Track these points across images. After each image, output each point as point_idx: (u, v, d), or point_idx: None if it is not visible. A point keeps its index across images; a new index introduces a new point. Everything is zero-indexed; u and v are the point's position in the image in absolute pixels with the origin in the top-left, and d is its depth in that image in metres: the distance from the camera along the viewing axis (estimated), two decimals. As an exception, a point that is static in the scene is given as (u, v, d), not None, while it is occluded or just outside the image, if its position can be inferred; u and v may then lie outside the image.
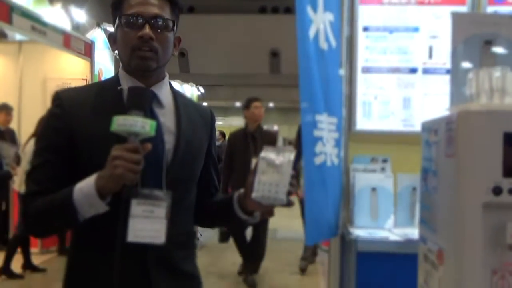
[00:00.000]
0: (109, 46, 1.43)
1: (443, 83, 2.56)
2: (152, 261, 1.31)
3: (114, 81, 1.38)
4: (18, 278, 5.30)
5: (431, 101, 2.61)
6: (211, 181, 1.55)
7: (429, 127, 1.51)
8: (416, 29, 2.63)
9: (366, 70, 2.65)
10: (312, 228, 2.22)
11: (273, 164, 1.28)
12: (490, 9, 2.61)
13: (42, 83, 7.02)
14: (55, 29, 6.31)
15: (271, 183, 1.27)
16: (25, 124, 6.53)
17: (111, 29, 1.44)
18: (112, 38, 1.39)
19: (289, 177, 1.27)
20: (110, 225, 1.26)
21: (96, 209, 1.22)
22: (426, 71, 2.63)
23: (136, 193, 1.24)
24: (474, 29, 1.60)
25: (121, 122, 1.18)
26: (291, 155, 1.29)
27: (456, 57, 1.62)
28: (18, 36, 6.83)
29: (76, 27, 7.61)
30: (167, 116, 1.39)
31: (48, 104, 1.39)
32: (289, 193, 1.28)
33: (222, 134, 11.74)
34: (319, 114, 2.29)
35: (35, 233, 1.39)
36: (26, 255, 5.52)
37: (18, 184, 5.22)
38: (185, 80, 13.49)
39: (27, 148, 5.14)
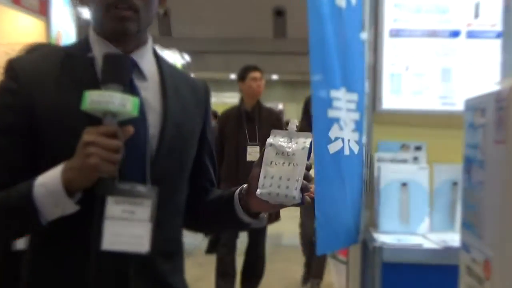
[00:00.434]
0: (72, 1, 1.42)
1: (492, 49, 2.56)
2: (133, 274, 1.32)
3: (82, 47, 1.37)
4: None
5: (477, 73, 2.62)
6: (206, 174, 1.55)
7: (474, 105, 1.50)
8: (458, -19, 2.63)
9: (395, 33, 2.65)
10: (325, 233, 2.23)
11: (283, 153, 1.29)
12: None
13: (-16, 49, 6.99)
14: (0, -19, 6.27)
15: (281, 176, 1.27)
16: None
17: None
18: None
19: (303, 169, 1.27)
20: (81, 230, 1.26)
21: (63, 209, 1.22)
22: (470, 34, 2.63)
23: (113, 189, 1.23)
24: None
25: (95, 99, 1.17)
26: (306, 142, 1.29)
27: (509, 16, 1.60)
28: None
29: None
30: (150, 91, 1.39)
31: (-4, 76, 1.35)
32: (304, 190, 1.28)
33: (214, 115, 11.74)
34: (335, 90, 2.28)
35: None
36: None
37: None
38: (166, 45, 13.38)
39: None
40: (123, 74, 1.24)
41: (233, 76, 17.59)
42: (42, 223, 1.23)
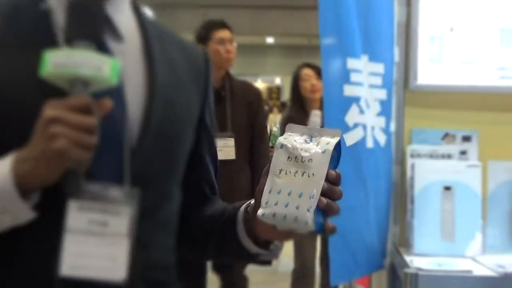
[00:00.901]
0: None
1: None
2: None
3: None
4: None
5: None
6: (205, 175, 1.55)
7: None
8: None
9: (436, -19, 2.67)
10: (340, 256, 2.25)
11: (297, 158, 1.23)
12: None
13: None
14: None
15: (290, 191, 1.22)
16: None
17: None
18: None
19: (322, 181, 1.21)
20: (38, 248, 1.23)
21: (14, 218, 1.18)
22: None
23: (77, 190, 1.18)
24: None
25: (59, 61, 1.12)
26: (330, 142, 1.24)
27: None
28: None
29: None
30: (129, 57, 1.36)
31: None
32: (325, 211, 1.22)
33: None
34: (354, 58, 2.29)
35: None
36: None
37: None
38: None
39: None
40: (95, 28, 1.21)
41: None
42: None
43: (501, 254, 2.45)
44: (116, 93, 1.26)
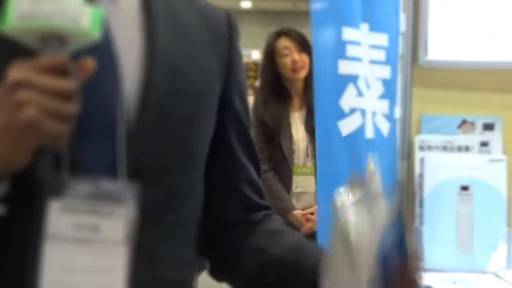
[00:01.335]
0: None
1: None
2: None
3: None
4: None
5: None
6: (239, 171, 1.51)
7: None
8: None
9: None
10: None
11: (346, 239, 1.20)
12: None
13: None
14: None
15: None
16: None
17: None
18: None
19: (367, 272, 1.19)
20: (10, 260, 1.22)
21: None
22: None
23: (59, 186, 1.16)
24: None
25: (25, 11, 1.09)
26: (380, 207, 1.19)
27: None
28: None
29: None
30: (122, 17, 1.34)
31: None
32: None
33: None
34: (351, 28, 2.30)
35: None
36: None
37: None
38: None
39: None
40: None
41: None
42: None
43: (529, 269, 2.50)
44: (105, 54, 1.26)
